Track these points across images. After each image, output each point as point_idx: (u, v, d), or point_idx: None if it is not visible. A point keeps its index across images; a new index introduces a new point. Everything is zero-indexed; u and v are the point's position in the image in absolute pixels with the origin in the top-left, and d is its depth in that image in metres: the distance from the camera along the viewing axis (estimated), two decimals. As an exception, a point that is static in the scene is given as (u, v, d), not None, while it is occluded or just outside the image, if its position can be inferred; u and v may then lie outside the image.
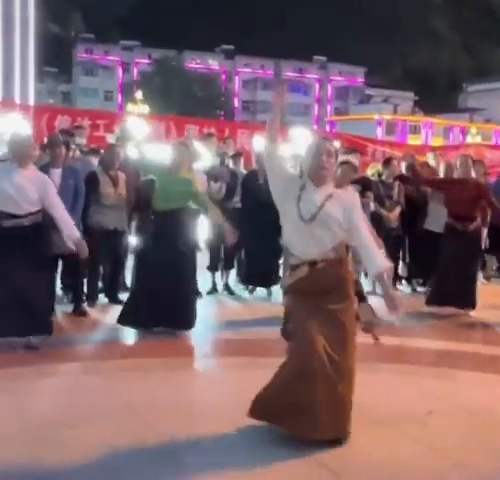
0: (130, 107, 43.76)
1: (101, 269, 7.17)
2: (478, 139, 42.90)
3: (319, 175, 3.64)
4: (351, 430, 3.61)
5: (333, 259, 3.63)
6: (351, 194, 3.88)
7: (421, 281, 8.76)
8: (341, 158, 7.40)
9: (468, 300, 7.23)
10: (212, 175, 7.69)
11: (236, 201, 7.93)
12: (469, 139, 43.93)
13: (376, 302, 4.26)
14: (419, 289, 8.63)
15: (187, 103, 56.21)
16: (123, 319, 5.95)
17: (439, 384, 4.70)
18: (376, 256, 3.64)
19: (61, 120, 9.58)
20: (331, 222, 3.59)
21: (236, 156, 8.29)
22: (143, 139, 9.26)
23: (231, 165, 8.10)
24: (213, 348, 5.93)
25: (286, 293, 3.93)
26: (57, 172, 6.10)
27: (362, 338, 3.96)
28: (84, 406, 4.09)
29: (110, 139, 6.91)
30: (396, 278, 8.53)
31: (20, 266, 5.14)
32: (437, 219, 8.09)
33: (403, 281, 8.92)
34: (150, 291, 5.89)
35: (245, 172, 8.45)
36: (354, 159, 7.52)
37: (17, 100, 26.81)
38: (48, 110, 11.50)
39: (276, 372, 3.62)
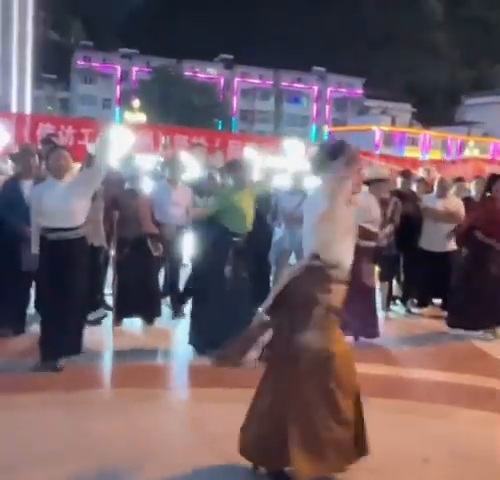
0: (128, 115, 43.54)
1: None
2: (476, 152, 42.81)
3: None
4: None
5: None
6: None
7: (416, 302, 8.38)
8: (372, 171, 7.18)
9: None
10: (198, 189, 7.31)
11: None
12: (467, 152, 43.85)
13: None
14: (414, 310, 8.24)
15: (185, 112, 55.96)
16: None
17: (437, 424, 4.31)
18: None
19: (43, 128, 9.21)
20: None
21: (223, 169, 7.89)
22: (128, 149, 8.94)
23: (219, 178, 7.72)
24: (189, 377, 5.49)
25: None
26: (27, 184, 5.68)
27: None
28: (39, 445, 3.69)
29: (90, 149, 6.52)
30: (390, 298, 8.16)
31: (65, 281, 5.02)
32: (432, 238, 7.75)
33: (397, 302, 8.54)
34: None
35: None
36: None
37: (14, 107, 26.40)
38: (30, 118, 11.11)
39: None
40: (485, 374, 5.62)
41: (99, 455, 3.64)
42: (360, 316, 6.10)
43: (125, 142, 8.89)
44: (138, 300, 6.63)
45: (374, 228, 6.61)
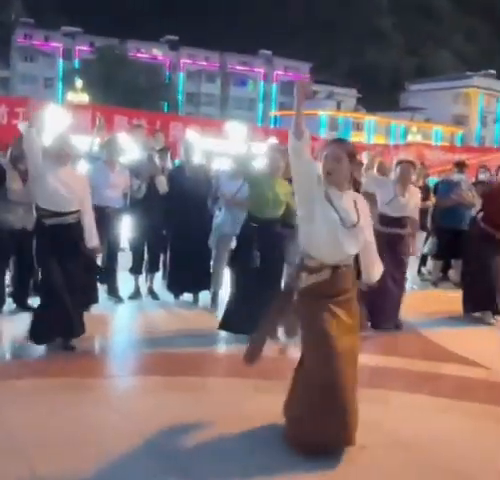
0: (70, 96, 42.50)
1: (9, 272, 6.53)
2: (418, 138, 43.47)
3: (327, 180, 3.57)
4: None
5: (350, 265, 3.69)
6: (363, 200, 3.83)
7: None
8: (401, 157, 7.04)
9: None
10: (135, 171, 7.11)
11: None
12: (410, 137, 44.44)
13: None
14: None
15: (130, 93, 54.88)
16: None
17: (372, 410, 4.25)
18: (374, 265, 3.93)
19: (-26, 108, 8.79)
20: (365, 230, 3.68)
21: (163, 151, 7.72)
22: (64, 130, 8.63)
23: (157, 160, 7.52)
24: (130, 366, 5.28)
25: (298, 296, 3.67)
26: None
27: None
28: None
29: (21, 128, 6.22)
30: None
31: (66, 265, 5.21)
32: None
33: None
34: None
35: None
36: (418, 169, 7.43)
37: None
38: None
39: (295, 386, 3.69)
40: (420, 357, 5.65)
41: (13, 445, 3.46)
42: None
43: (61, 122, 8.61)
44: None
45: None
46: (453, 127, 69.74)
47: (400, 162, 6.87)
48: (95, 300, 6.54)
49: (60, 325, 5.20)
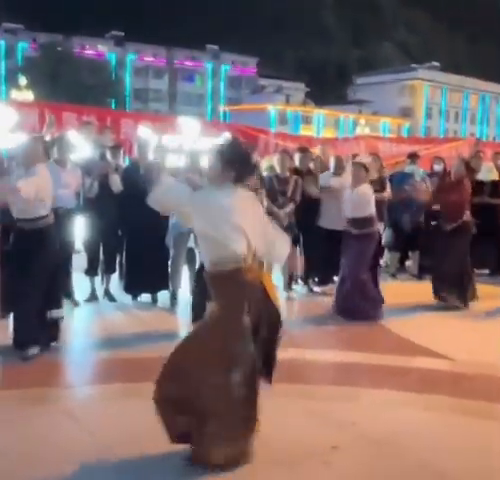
0: (14, 94, 41.45)
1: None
2: (367, 130, 43.86)
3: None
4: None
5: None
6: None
7: (317, 280, 8.34)
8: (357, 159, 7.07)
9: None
10: (87, 170, 6.88)
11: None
12: (358, 130, 44.81)
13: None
14: (316, 289, 8.20)
15: (76, 91, 53.84)
16: None
17: (342, 408, 4.19)
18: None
19: None
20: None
21: (115, 148, 7.49)
22: (11, 128, 8.34)
23: (110, 158, 7.30)
24: (88, 373, 5.09)
25: None
26: None
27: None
28: None
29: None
30: (292, 278, 8.07)
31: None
32: (331, 216, 7.72)
33: (299, 281, 8.47)
34: None
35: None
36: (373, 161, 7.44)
37: None
38: None
39: None
40: (386, 351, 5.60)
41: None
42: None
43: (7, 120, 8.32)
44: None
45: None
46: (400, 119, 70.77)
47: (353, 163, 6.99)
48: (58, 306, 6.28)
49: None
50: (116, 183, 6.95)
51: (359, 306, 6.74)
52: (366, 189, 6.97)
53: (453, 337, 6.20)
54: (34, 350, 5.11)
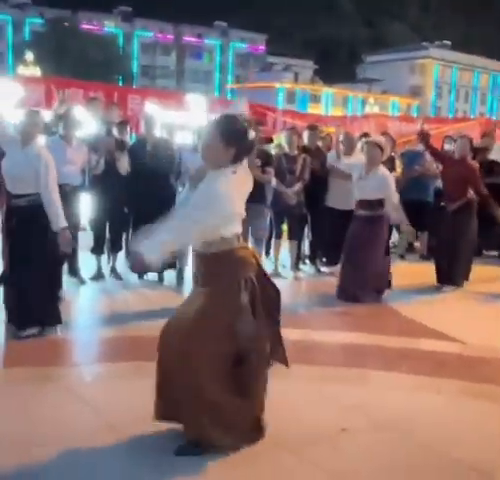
0: (21, 69, 41.22)
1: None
2: (376, 109, 43.49)
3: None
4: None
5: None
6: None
7: (324, 260, 8.26)
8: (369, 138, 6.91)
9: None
10: (93, 146, 6.77)
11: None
12: (367, 109, 44.41)
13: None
14: (323, 269, 8.13)
15: (83, 66, 53.48)
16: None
17: (351, 391, 4.12)
18: None
19: None
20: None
21: (121, 124, 7.37)
22: (17, 104, 8.23)
23: (116, 134, 7.19)
24: (95, 352, 5.04)
25: None
26: None
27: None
28: None
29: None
30: (299, 258, 8.00)
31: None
32: (339, 196, 7.60)
33: (306, 261, 8.39)
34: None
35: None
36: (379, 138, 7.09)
37: None
38: None
39: None
40: (396, 333, 5.53)
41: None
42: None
43: (12, 96, 8.21)
44: None
45: None
46: (409, 98, 70.08)
47: (366, 142, 6.80)
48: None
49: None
50: (124, 166, 6.84)
51: (366, 289, 6.62)
52: (386, 170, 6.76)
53: (463, 320, 6.13)
54: (32, 330, 5.02)
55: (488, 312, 6.48)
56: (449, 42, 77.71)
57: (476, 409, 3.99)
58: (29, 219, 4.99)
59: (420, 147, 9.55)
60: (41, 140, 6.51)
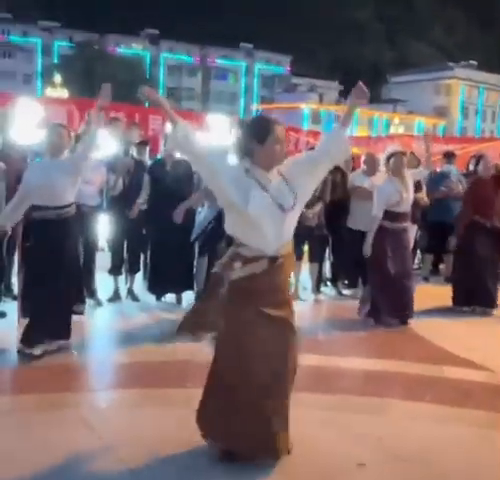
0: (49, 91, 41.92)
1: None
2: (401, 129, 43.33)
3: (272, 161, 3.23)
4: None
5: (288, 254, 3.33)
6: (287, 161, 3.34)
7: (346, 283, 8.09)
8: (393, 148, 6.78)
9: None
10: (112, 166, 6.72)
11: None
12: (392, 129, 44.26)
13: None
14: (345, 292, 7.95)
15: (111, 89, 54.36)
16: None
17: (371, 422, 3.93)
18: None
19: None
20: (300, 208, 3.29)
21: (141, 145, 7.33)
22: (38, 124, 8.24)
23: (135, 155, 7.14)
24: (109, 378, 4.89)
25: (229, 288, 3.28)
26: None
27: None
28: None
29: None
30: (320, 280, 7.83)
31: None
32: (360, 217, 7.43)
33: (328, 283, 8.23)
34: None
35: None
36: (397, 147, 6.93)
37: None
38: None
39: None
40: (420, 360, 5.30)
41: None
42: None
43: (34, 116, 8.23)
44: None
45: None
46: (435, 118, 69.69)
47: (391, 155, 6.59)
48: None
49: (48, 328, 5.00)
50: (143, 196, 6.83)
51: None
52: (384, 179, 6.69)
53: (489, 346, 5.88)
54: (40, 349, 4.96)
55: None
56: (475, 62, 77.32)
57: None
58: (48, 232, 5.00)
59: (445, 167, 9.39)
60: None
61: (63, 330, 5.11)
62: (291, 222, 3.28)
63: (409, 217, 6.71)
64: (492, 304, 7.21)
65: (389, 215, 6.48)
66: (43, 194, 4.98)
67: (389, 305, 6.37)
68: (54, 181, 4.94)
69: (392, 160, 6.51)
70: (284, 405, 3.29)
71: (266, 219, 3.15)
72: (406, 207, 6.54)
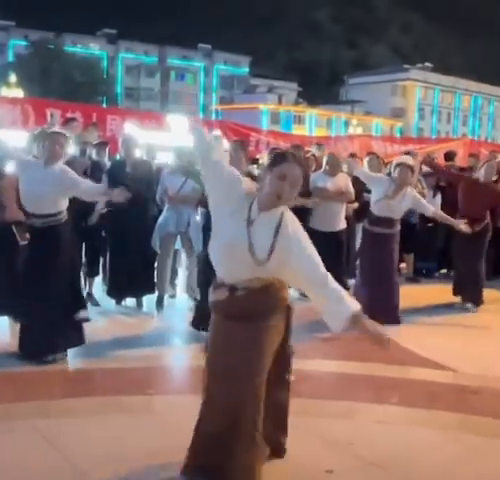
0: (4, 91, 41.11)
1: None
2: (359, 130, 43.71)
3: (271, 202, 2.95)
4: None
5: (254, 288, 2.98)
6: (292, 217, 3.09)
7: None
8: (400, 159, 6.73)
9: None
10: (71, 167, 6.51)
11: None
12: (350, 130, 44.63)
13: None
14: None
15: (67, 88, 53.49)
16: None
17: (338, 427, 3.86)
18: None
19: None
20: (284, 259, 2.90)
21: (101, 145, 7.15)
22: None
23: (94, 156, 6.96)
24: (67, 385, 4.68)
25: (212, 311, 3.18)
26: None
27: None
28: None
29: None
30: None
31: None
32: (322, 217, 7.40)
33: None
34: None
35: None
36: (410, 161, 6.83)
37: None
38: None
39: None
40: (383, 361, 5.19)
41: None
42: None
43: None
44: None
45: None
46: (392, 120, 70.60)
47: (399, 164, 6.57)
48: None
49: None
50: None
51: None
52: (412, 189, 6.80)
53: (457, 347, 5.87)
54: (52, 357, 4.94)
55: (484, 339, 6.26)
56: (430, 64, 78.58)
57: (473, 445, 3.75)
58: (44, 240, 4.97)
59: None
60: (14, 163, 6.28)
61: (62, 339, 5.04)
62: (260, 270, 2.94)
63: (394, 225, 6.72)
64: (476, 301, 7.39)
65: (372, 217, 6.70)
66: (31, 201, 4.97)
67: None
68: (43, 191, 4.88)
69: (397, 170, 6.54)
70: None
71: (228, 253, 2.96)
72: (388, 213, 6.62)
